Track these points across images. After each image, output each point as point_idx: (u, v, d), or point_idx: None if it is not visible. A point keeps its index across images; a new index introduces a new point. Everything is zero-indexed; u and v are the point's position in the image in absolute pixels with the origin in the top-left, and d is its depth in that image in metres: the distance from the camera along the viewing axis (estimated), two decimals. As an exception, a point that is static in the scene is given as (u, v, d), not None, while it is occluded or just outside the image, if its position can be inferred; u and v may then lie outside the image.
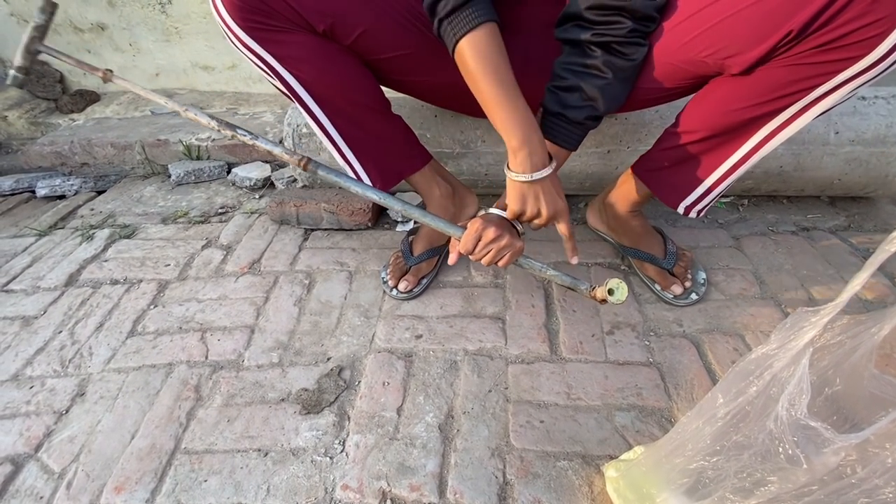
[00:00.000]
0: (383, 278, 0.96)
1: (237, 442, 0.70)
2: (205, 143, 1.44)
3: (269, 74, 0.72)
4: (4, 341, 0.90)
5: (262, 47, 0.68)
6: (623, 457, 0.63)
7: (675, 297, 0.88)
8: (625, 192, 0.91)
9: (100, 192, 1.41)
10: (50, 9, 0.83)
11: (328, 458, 0.68)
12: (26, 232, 1.22)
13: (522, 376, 0.77)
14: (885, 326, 0.43)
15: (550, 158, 0.69)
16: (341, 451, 0.68)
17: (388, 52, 0.75)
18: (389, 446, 0.69)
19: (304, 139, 1.11)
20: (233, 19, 0.65)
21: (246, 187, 1.34)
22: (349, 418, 0.73)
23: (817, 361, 0.47)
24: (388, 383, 0.78)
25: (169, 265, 1.06)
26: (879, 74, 0.57)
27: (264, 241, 1.12)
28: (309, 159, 0.77)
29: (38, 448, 0.71)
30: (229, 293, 0.98)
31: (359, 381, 0.78)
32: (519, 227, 0.75)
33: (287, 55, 0.70)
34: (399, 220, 1.16)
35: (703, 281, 0.91)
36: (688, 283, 0.89)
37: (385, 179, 0.86)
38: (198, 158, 1.45)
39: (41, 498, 0.65)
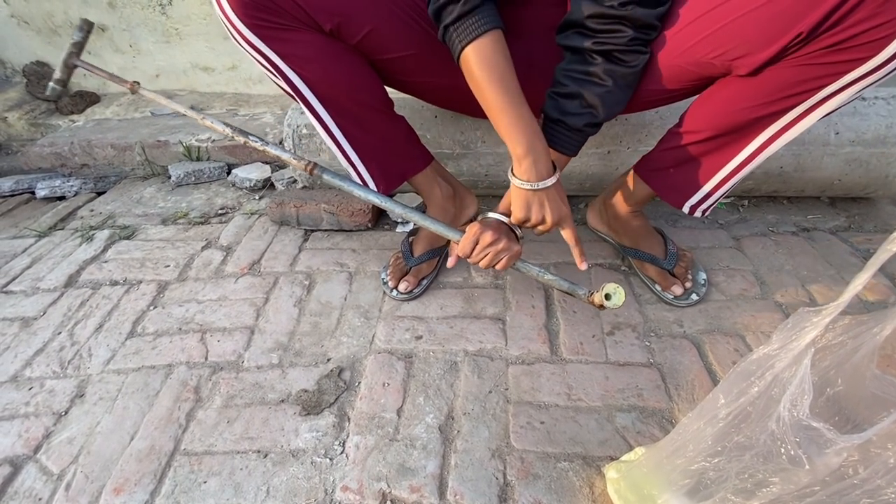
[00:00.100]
0: (383, 279, 0.96)
1: (237, 443, 0.70)
2: (205, 145, 1.44)
3: (272, 73, 0.72)
4: (4, 342, 0.89)
5: (268, 45, 0.68)
6: (624, 458, 0.63)
7: (676, 297, 0.88)
8: (626, 192, 0.91)
9: (100, 194, 1.41)
10: (87, 27, 0.94)
11: (328, 460, 0.67)
12: (26, 233, 1.22)
13: (523, 377, 0.77)
14: (886, 327, 0.43)
15: (555, 167, 0.69)
16: (341, 453, 0.68)
17: (393, 52, 0.75)
18: (389, 447, 0.68)
19: (304, 140, 1.11)
20: (237, 17, 0.65)
21: (246, 188, 1.34)
22: (349, 419, 0.73)
23: (819, 362, 0.47)
24: (389, 384, 0.77)
25: (169, 266, 1.06)
26: (887, 75, 0.57)
27: (264, 242, 1.12)
28: (315, 164, 0.78)
29: (37, 449, 0.71)
30: (229, 294, 0.97)
31: (359, 382, 0.78)
32: (518, 232, 0.76)
33: (293, 54, 0.70)
34: (399, 220, 1.16)
35: (703, 281, 0.91)
36: (688, 284, 0.89)
37: (388, 180, 0.86)
38: (198, 159, 1.45)
39: (40, 499, 0.65)
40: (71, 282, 1.04)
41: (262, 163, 1.42)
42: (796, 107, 0.64)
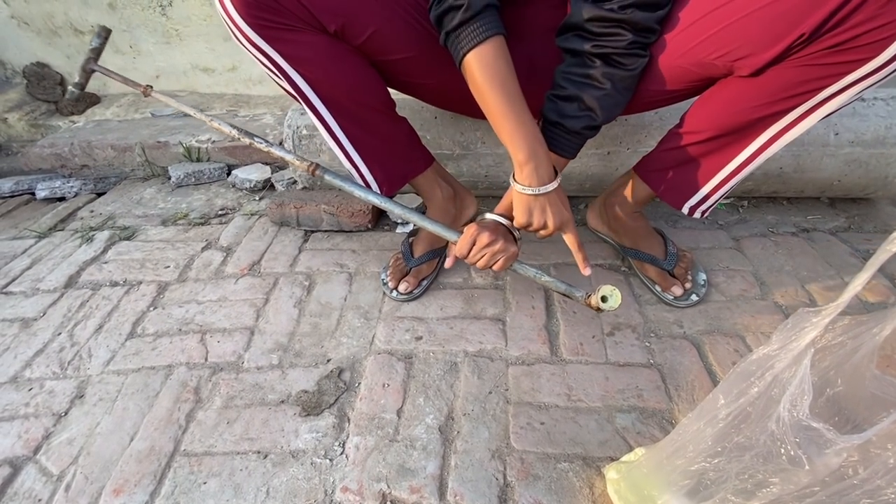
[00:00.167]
0: (383, 280, 0.96)
1: (237, 444, 0.70)
2: (205, 145, 1.44)
3: (275, 74, 0.72)
4: (3, 343, 0.89)
5: (271, 46, 0.68)
6: (624, 458, 0.63)
7: (676, 298, 0.88)
8: (626, 192, 0.91)
9: (100, 194, 1.41)
10: (105, 34, 0.98)
11: (328, 460, 0.67)
12: (26, 234, 1.22)
13: (523, 378, 0.77)
14: (886, 327, 0.43)
15: (556, 172, 0.70)
16: (341, 453, 0.68)
17: (397, 53, 0.75)
18: (389, 448, 0.68)
19: (304, 141, 1.11)
20: (241, 16, 0.64)
21: (246, 189, 1.34)
22: (349, 420, 0.73)
23: (818, 362, 0.47)
24: (388, 385, 0.77)
25: (169, 267, 1.06)
26: (887, 76, 0.57)
27: (264, 243, 1.12)
28: (317, 165, 0.79)
29: (36, 450, 0.71)
30: (229, 295, 0.97)
31: (359, 383, 0.78)
32: (515, 233, 0.76)
33: (296, 54, 0.70)
34: (399, 221, 1.16)
35: (703, 282, 0.91)
36: (688, 285, 0.89)
37: (390, 182, 0.87)
38: (198, 160, 1.45)
39: (39, 500, 0.65)
40: (71, 283, 1.04)
41: (262, 164, 1.42)
42: (797, 107, 0.64)
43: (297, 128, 1.11)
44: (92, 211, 1.30)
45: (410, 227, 1.13)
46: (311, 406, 0.75)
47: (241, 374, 0.81)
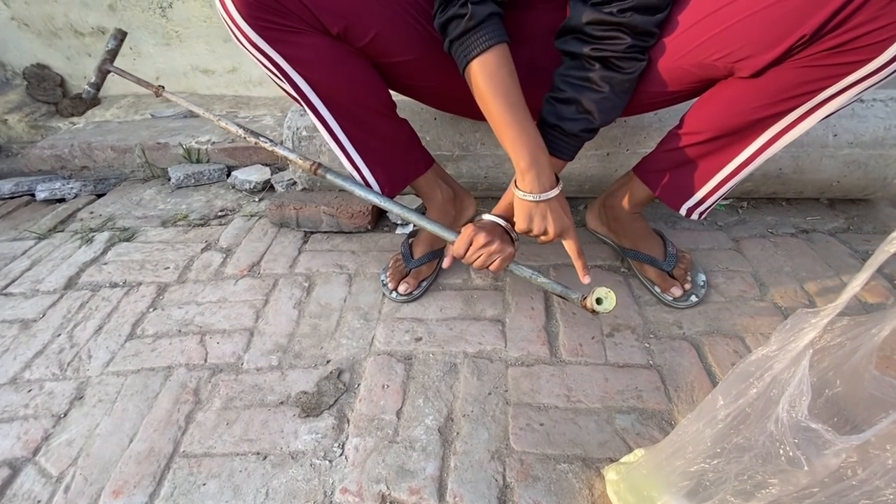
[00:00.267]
0: (383, 281, 0.96)
1: (236, 445, 0.70)
2: (204, 147, 1.44)
3: (276, 76, 0.72)
4: (3, 344, 0.89)
5: (272, 47, 0.68)
6: (623, 459, 0.63)
7: (675, 299, 0.88)
8: (625, 193, 0.91)
9: (99, 196, 1.41)
10: (120, 36, 1.02)
11: (327, 462, 0.67)
12: (25, 235, 1.22)
13: (522, 379, 0.77)
14: (885, 328, 0.43)
15: (557, 179, 0.70)
16: (340, 455, 0.68)
17: (399, 55, 0.75)
18: (389, 449, 0.68)
19: (304, 142, 1.11)
20: (242, 18, 0.64)
21: (245, 190, 1.34)
22: (348, 421, 0.73)
23: (817, 363, 0.47)
24: (388, 386, 0.77)
25: (168, 268, 1.06)
26: (886, 77, 0.57)
27: (264, 244, 1.12)
28: (320, 164, 0.80)
29: (35, 452, 0.71)
30: (228, 296, 0.97)
31: (358, 384, 0.78)
32: (513, 234, 0.76)
33: (297, 56, 0.69)
34: (398, 222, 1.16)
35: (702, 283, 0.91)
36: (687, 286, 0.89)
37: (392, 184, 0.87)
38: (197, 162, 1.45)
39: (39, 502, 0.65)
40: (70, 284, 1.04)
41: (262, 165, 1.42)
42: (797, 108, 0.64)
43: (297, 129, 1.11)
44: (92, 212, 1.30)
45: (410, 229, 1.13)
46: (310, 407, 0.75)
47: (241, 375, 0.81)
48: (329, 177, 0.79)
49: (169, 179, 1.41)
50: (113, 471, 0.68)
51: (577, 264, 0.74)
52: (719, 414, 0.43)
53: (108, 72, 1.01)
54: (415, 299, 0.93)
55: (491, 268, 0.72)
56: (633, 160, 0.94)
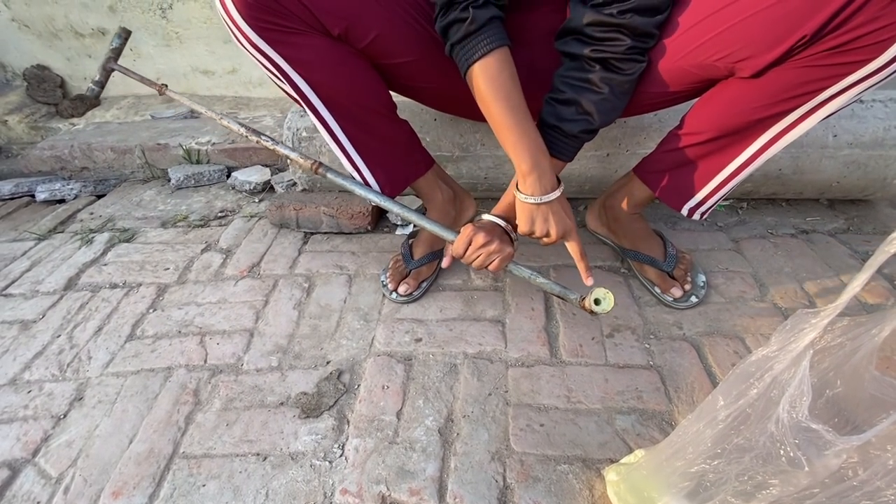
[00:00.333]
0: (383, 282, 0.96)
1: (236, 446, 0.70)
2: (204, 148, 1.44)
3: (276, 77, 0.72)
4: (3, 345, 0.89)
5: (273, 49, 0.68)
6: (624, 460, 0.63)
7: (675, 299, 0.88)
8: (625, 194, 0.91)
9: (99, 197, 1.41)
10: (125, 35, 1.02)
11: (327, 463, 0.67)
12: (25, 236, 1.22)
13: (522, 379, 0.77)
14: (885, 328, 0.43)
15: (559, 181, 0.70)
16: (340, 456, 0.68)
17: (399, 56, 0.75)
18: (389, 450, 0.68)
19: (304, 143, 1.11)
20: (243, 19, 0.64)
21: (246, 191, 1.34)
22: (348, 422, 0.72)
23: (818, 363, 0.47)
24: (388, 387, 0.77)
25: (168, 269, 1.06)
26: (886, 78, 0.57)
27: (264, 245, 1.12)
28: (321, 163, 0.80)
29: (35, 453, 0.71)
30: (228, 297, 0.97)
31: (358, 385, 0.78)
32: (512, 234, 0.76)
33: (298, 57, 0.69)
34: (399, 223, 1.16)
35: (702, 284, 0.91)
36: (687, 286, 0.89)
37: (392, 185, 0.87)
38: (197, 162, 1.45)
39: (38, 503, 0.65)
40: (70, 285, 1.03)
41: (262, 166, 1.42)
42: (797, 108, 0.64)
43: (297, 130, 1.11)
44: (91, 213, 1.30)
45: (410, 229, 1.13)
46: (310, 408, 0.75)
47: (241, 376, 0.81)
48: (330, 176, 0.80)
49: (169, 180, 1.41)
50: (112, 472, 0.68)
51: (580, 266, 0.74)
52: (720, 414, 0.43)
53: (113, 70, 1.01)
54: (415, 300, 0.93)
55: (490, 268, 0.72)
56: (632, 161, 0.94)
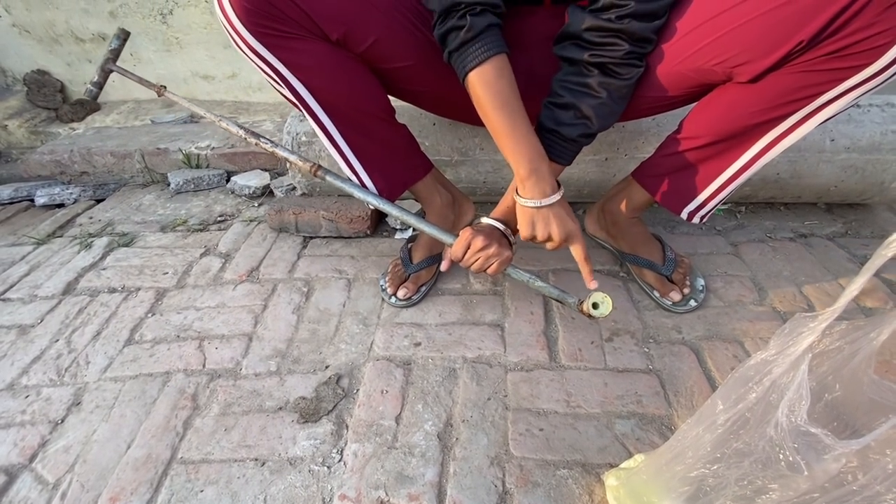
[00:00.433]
0: (382, 286, 0.96)
1: (234, 451, 0.70)
2: (204, 152, 1.45)
3: (275, 82, 0.72)
4: (1, 350, 0.89)
5: (272, 53, 0.68)
6: (623, 465, 0.63)
7: (674, 303, 0.88)
8: (624, 198, 0.92)
9: (99, 201, 1.41)
10: (123, 36, 1.02)
11: (326, 468, 0.67)
12: (24, 240, 1.22)
13: (521, 384, 0.77)
14: (883, 332, 0.43)
15: (559, 185, 0.70)
16: (339, 461, 0.68)
17: (398, 61, 0.75)
18: (388, 455, 0.68)
19: (304, 147, 1.11)
20: (242, 24, 0.64)
21: (245, 195, 1.35)
22: (347, 427, 0.72)
23: (816, 367, 0.47)
24: (387, 391, 0.77)
25: (167, 273, 1.06)
26: (883, 83, 0.58)
27: (263, 249, 1.12)
28: (320, 166, 0.81)
29: (32, 458, 0.71)
30: (227, 301, 0.97)
31: (357, 390, 0.78)
32: (511, 238, 0.76)
33: (297, 62, 0.70)
34: (398, 227, 1.16)
35: (701, 287, 0.91)
36: (686, 290, 0.89)
37: (391, 189, 0.87)
38: (197, 167, 1.45)
39: (35, 509, 0.65)
40: (69, 289, 1.03)
41: (262, 170, 1.42)
42: (795, 113, 0.65)
43: (297, 134, 1.11)
44: (91, 217, 1.30)
45: (409, 233, 1.13)
46: (309, 413, 0.74)
47: (239, 380, 0.81)
48: (329, 178, 0.80)
49: (168, 185, 1.42)
50: (110, 477, 0.67)
51: (584, 269, 0.73)
52: (719, 419, 0.43)
53: (111, 71, 1.01)
54: (414, 304, 0.93)
55: (489, 271, 0.72)
56: (631, 165, 0.94)
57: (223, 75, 1.80)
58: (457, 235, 0.74)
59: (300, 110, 0.76)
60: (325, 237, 1.14)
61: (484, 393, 0.76)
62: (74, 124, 1.77)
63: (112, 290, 1.02)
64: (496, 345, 0.84)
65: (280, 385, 0.79)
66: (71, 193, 1.41)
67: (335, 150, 0.81)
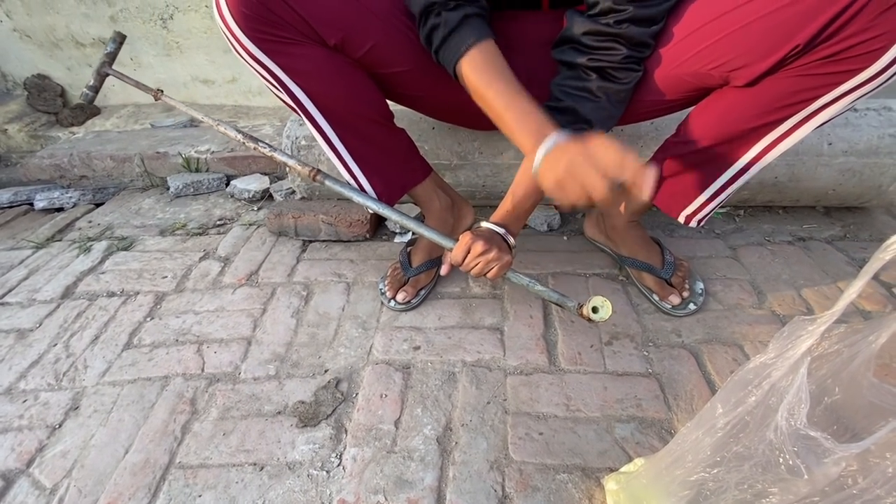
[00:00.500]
0: (381, 289, 0.96)
1: (232, 456, 0.69)
2: (204, 156, 1.45)
3: (274, 86, 0.72)
4: (-2, 354, 0.89)
5: (271, 58, 0.68)
6: (623, 469, 0.62)
7: (674, 307, 0.88)
8: (623, 201, 0.92)
9: (98, 205, 1.41)
10: (119, 39, 1.02)
11: (325, 472, 0.67)
12: (23, 244, 1.22)
13: (521, 388, 0.77)
14: (882, 335, 0.43)
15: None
16: (338, 465, 0.68)
17: (395, 66, 0.75)
18: (387, 460, 0.68)
19: (303, 151, 1.12)
20: (241, 29, 0.65)
21: (244, 199, 1.35)
22: (346, 431, 0.72)
23: (815, 370, 0.47)
24: (386, 395, 0.77)
25: (166, 277, 1.06)
26: (879, 86, 0.58)
27: (262, 253, 1.12)
28: (318, 170, 0.80)
29: (29, 463, 0.70)
30: (226, 305, 0.97)
31: (356, 394, 0.78)
32: (510, 241, 0.76)
33: (295, 67, 0.70)
34: (397, 231, 1.16)
35: (700, 291, 0.91)
36: (686, 293, 0.89)
37: (390, 193, 0.87)
38: (197, 171, 1.45)
39: (32, 514, 0.64)
40: (68, 293, 1.03)
41: (261, 174, 1.42)
42: (791, 117, 0.65)
43: (296, 138, 1.11)
44: (90, 221, 1.30)
45: (408, 237, 1.13)
46: (308, 417, 0.74)
47: (238, 384, 0.80)
48: (328, 183, 0.80)
49: (168, 189, 1.42)
50: (108, 482, 0.67)
51: (627, 160, 0.54)
52: (718, 422, 0.43)
53: (107, 75, 1.01)
54: (413, 308, 0.93)
55: (488, 276, 0.72)
56: (630, 169, 0.95)
57: (223, 79, 1.80)
58: (456, 240, 0.74)
59: (299, 115, 0.77)
60: (324, 241, 1.14)
61: (483, 397, 0.76)
62: (74, 128, 1.77)
63: (111, 294, 1.02)
64: (495, 348, 0.84)
65: (279, 389, 0.79)
66: (70, 197, 1.41)
67: (333, 155, 0.81)
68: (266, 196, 1.35)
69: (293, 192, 1.28)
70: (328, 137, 0.79)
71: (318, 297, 0.98)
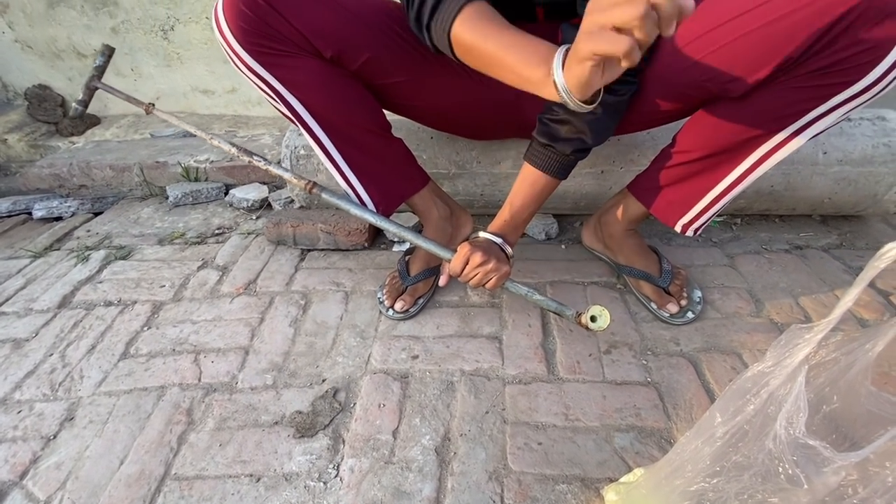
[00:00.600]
0: (379, 298, 0.96)
1: (229, 467, 0.69)
2: (203, 166, 1.45)
3: (272, 98, 0.73)
4: (-6, 364, 0.88)
5: (268, 71, 0.69)
6: (623, 479, 0.62)
7: (672, 315, 0.88)
8: (620, 210, 0.92)
9: (97, 214, 1.41)
10: (108, 52, 1.02)
11: (322, 484, 0.66)
12: (21, 253, 1.22)
13: (520, 397, 0.76)
14: (879, 343, 0.43)
15: None
16: (335, 476, 0.67)
17: (391, 77, 0.76)
18: (385, 470, 0.67)
19: (302, 161, 1.12)
20: (238, 43, 0.66)
21: (243, 208, 1.35)
22: (344, 441, 0.71)
23: (813, 379, 0.47)
24: (384, 405, 0.76)
25: (164, 286, 1.06)
26: (871, 98, 0.59)
27: (260, 262, 1.11)
28: (315, 183, 0.80)
29: (23, 475, 0.70)
30: (224, 314, 0.97)
31: (354, 403, 0.77)
32: (508, 251, 0.76)
33: (293, 79, 0.71)
34: (395, 240, 1.16)
35: (698, 299, 0.91)
36: (683, 302, 0.89)
37: (387, 202, 0.87)
38: (196, 180, 1.46)
39: (24, 528, 0.63)
40: (65, 302, 1.03)
41: (260, 183, 1.43)
42: (785, 128, 0.66)
43: (295, 148, 1.12)
44: (88, 230, 1.30)
45: (407, 246, 1.13)
46: (305, 427, 0.73)
47: (235, 394, 0.80)
48: (325, 196, 0.80)
49: (167, 198, 1.42)
50: (102, 494, 0.66)
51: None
52: (717, 432, 0.43)
53: (96, 88, 1.00)
54: (411, 317, 0.93)
55: (487, 286, 0.72)
56: (627, 178, 0.95)
57: (223, 90, 1.81)
58: (455, 251, 0.74)
59: (296, 126, 0.77)
60: (322, 250, 1.14)
61: (482, 406, 0.75)
62: (74, 138, 1.78)
63: (108, 304, 1.02)
64: (494, 357, 0.84)
65: (276, 399, 0.79)
66: (69, 206, 1.41)
67: (331, 164, 0.82)
68: (265, 205, 1.35)
69: (292, 201, 1.29)
70: (325, 148, 0.79)
71: (316, 307, 0.97)
